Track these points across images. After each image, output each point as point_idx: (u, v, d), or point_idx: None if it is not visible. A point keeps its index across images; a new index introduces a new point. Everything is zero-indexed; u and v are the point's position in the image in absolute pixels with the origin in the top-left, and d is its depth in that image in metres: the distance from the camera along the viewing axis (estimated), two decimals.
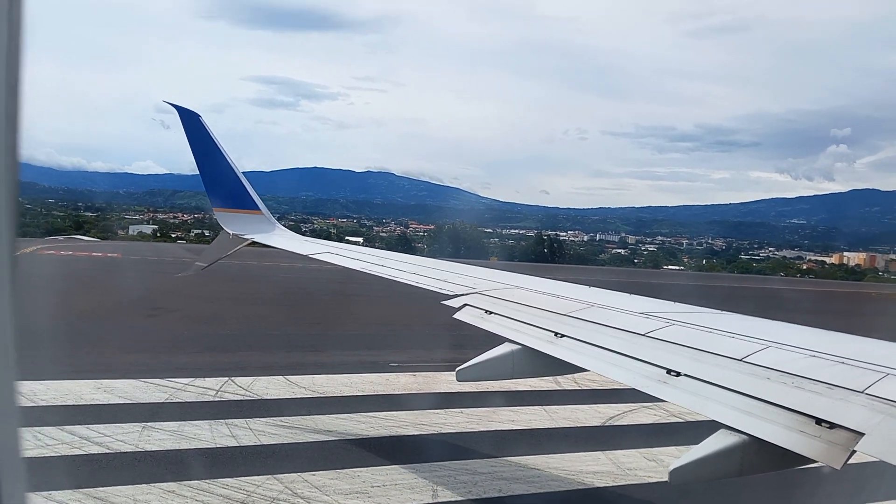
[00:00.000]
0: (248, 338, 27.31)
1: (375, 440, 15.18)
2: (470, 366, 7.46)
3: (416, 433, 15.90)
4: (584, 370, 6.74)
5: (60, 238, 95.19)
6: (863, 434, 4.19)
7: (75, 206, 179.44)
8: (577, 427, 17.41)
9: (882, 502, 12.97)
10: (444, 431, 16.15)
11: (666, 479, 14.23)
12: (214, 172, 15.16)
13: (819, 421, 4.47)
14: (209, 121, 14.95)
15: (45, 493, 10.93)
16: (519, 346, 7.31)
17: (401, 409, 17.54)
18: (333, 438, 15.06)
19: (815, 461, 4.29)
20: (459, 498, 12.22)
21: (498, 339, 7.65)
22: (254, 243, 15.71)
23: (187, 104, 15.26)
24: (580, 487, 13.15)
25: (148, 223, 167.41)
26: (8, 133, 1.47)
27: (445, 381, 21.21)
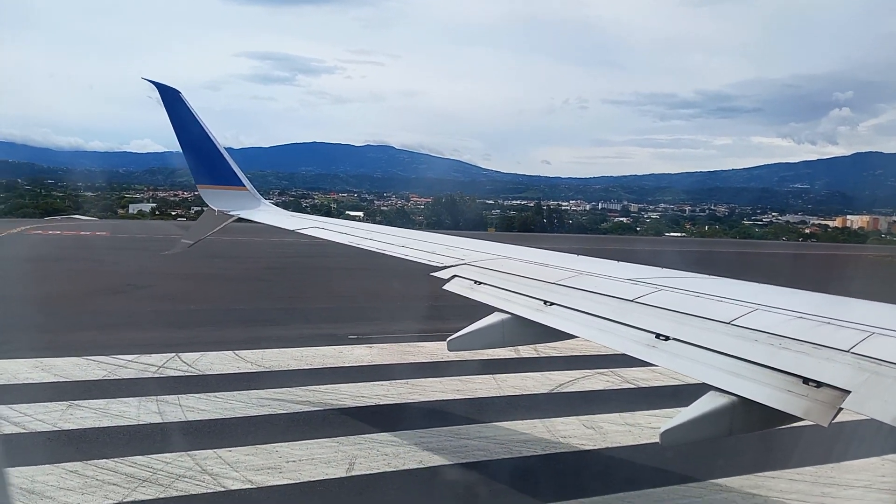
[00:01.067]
0: (212, 313, 27.04)
1: (307, 414, 14.85)
2: (461, 335, 7.53)
3: (352, 405, 15.55)
4: (574, 337, 6.87)
5: (59, 218, 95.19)
6: (849, 392, 4.30)
7: (75, 187, 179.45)
8: (523, 395, 17.04)
9: (867, 458, 13.06)
10: (381, 403, 15.80)
11: (600, 446, 13.76)
12: (197, 149, 15.00)
13: (806, 380, 4.58)
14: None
15: None
16: (509, 315, 7.40)
17: (345, 382, 17.20)
18: (264, 413, 14.72)
19: (802, 419, 4.40)
20: (374, 471, 11.89)
21: (481, 310, 7.71)
22: (240, 219, 15.57)
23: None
24: (505, 457, 12.78)
25: (148, 201, 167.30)
26: None
27: (400, 353, 20.95)
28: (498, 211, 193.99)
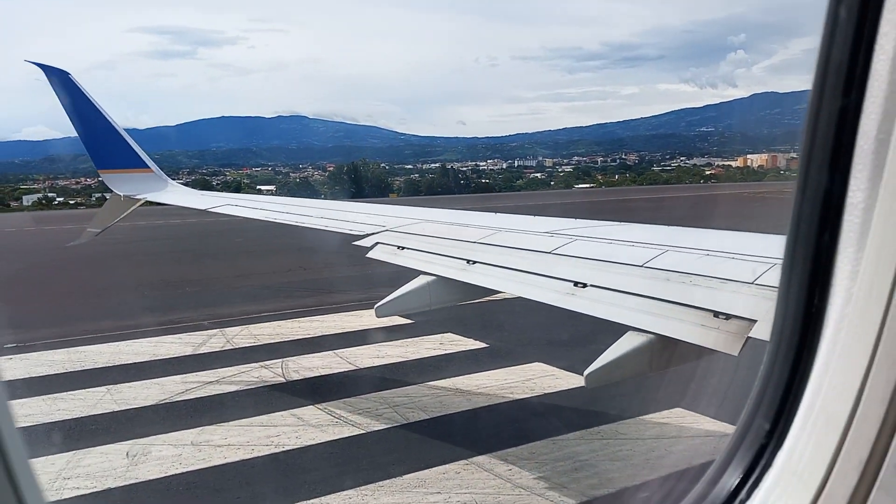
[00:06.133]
0: None
1: None
2: (387, 302, 7.84)
3: None
4: (498, 292, 7.47)
5: None
6: (755, 321, 4.67)
7: None
8: (115, 412, 14.22)
9: None
10: None
11: (103, 486, 10.52)
12: (94, 133, 14.65)
13: (716, 314, 4.97)
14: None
15: None
16: (434, 277, 7.72)
17: None
18: None
19: (715, 351, 4.82)
20: None
21: (407, 274, 8.13)
22: (148, 202, 15.53)
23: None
24: None
25: (46, 191, 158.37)
26: None
27: (43, 364, 17.78)
28: (416, 175, 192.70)
